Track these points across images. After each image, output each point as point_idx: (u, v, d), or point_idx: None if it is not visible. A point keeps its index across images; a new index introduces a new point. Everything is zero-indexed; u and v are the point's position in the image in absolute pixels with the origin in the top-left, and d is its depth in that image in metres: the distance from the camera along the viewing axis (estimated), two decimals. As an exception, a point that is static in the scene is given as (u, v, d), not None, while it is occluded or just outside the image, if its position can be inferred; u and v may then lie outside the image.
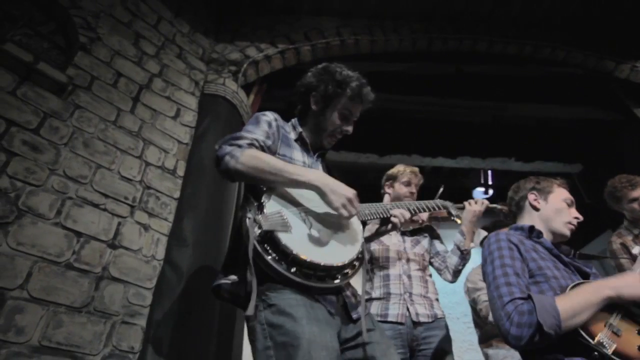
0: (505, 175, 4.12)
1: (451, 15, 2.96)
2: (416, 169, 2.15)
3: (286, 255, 1.00)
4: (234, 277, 1.10)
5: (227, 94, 2.50)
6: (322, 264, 1.02)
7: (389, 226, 1.44)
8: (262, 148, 1.17)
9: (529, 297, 1.02)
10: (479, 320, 2.41)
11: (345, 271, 1.11)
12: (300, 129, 1.36)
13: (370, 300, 1.86)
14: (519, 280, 1.08)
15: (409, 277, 1.86)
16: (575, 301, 1.00)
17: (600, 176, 2.67)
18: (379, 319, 1.75)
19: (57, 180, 1.63)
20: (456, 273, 1.91)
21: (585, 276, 1.21)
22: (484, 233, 2.53)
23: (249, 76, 2.72)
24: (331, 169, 1.45)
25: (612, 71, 3.04)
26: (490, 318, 2.24)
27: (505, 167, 3.78)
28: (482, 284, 2.40)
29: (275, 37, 2.83)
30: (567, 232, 1.33)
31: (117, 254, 1.71)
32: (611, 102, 3.30)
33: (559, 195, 1.39)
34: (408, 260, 1.91)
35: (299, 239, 1.03)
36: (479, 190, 4.06)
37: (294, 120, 1.41)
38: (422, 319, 1.74)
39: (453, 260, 1.90)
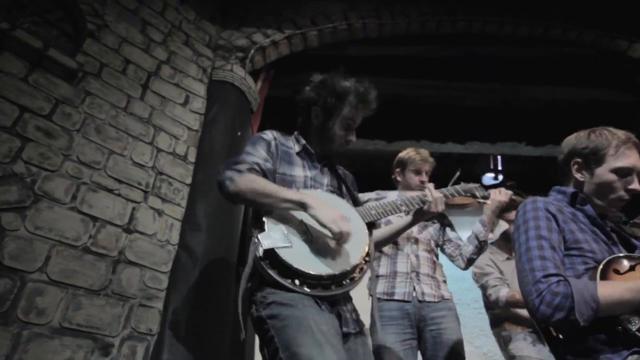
0: (515, 160, 4.07)
1: (460, -4, 2.90)
2: (426, 154, 2.05)
3: (288, 269, 1.05)
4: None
5: (235, 80, 2.48)
6: (324, 274, 1.06)
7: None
8: (263, 172, 1.22)
9: (566, 280, 0.94)
10: (490, 303, 2.41)
11: (352, 276, 1.13)
12: (303, 141, 1.38)
13: (376, 277, 1.84)
14: (554, 255, 1.00)
15: (417, 256, 1.84)
16: (622, 298, 0.90)
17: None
18: (385, 297, 1.74)
19: (72, 166, 1.64)
20: (470, 261, 1.87)
21: (631, 249, 1.11)
22: (504, 225, 2.48)
23: (257, 62, 2.69)
24: (340, 177, 1.44)
25: (625, 51, 2.96)
26: (500, 302, 2.23)
27: (515, 152, 3.72)
28: (489, 269, 2.39)
29: (281, 23, 2.80)
30: (613, 209, 1.16)
31: (133, 239, 1.72)
32: (624, 84, 3.23)
33: (613, 163, 1.13)
34: (416, 241, 1.90)
35: (299, 253, 1.08)
36: (489, 175, 4.01)
37: (296, 134, 1.43)
38: (427, 299, 1.73)
39: (469, 248, 1.86)
